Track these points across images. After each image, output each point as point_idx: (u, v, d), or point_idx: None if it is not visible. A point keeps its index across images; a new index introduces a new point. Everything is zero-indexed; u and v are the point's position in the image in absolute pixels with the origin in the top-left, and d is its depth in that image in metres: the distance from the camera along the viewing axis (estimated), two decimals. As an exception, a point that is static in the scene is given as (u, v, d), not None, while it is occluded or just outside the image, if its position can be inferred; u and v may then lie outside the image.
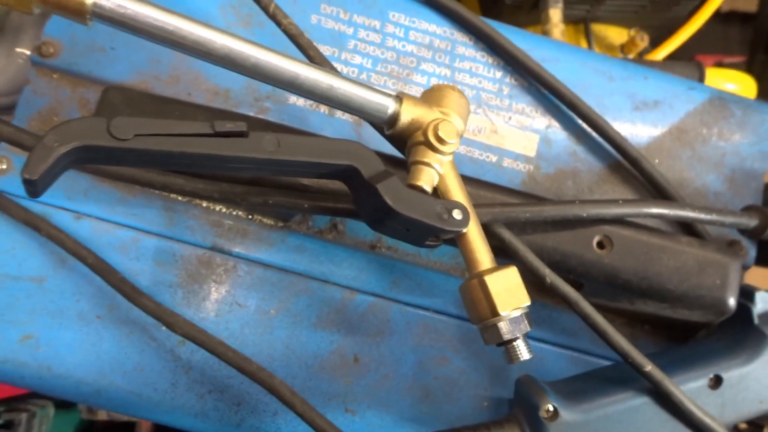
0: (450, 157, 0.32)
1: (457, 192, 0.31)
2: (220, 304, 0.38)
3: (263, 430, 0.37)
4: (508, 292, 0.30)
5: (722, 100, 0.44)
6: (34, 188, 0.23)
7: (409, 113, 0.31)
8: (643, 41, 0.63)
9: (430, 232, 0.30)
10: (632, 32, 0.63)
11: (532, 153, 0.42)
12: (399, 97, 0.32)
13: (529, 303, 0.30)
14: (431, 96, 0.33)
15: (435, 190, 0.32)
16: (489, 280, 0.30)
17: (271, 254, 0.39)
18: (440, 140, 0.31)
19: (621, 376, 0.36)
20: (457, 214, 0.30)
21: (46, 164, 0.23)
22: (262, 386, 0.33)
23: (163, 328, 0.36)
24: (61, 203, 0.37)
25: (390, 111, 0.31)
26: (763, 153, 0.44)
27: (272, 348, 0.38)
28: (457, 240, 0.32)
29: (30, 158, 0.24)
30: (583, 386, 0.36)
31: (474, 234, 0.31)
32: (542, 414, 0.34)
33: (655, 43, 0.66)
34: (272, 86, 0.30)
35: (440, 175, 0.32)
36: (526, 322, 0.30)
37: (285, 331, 0.38)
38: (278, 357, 0.38)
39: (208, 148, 0.26)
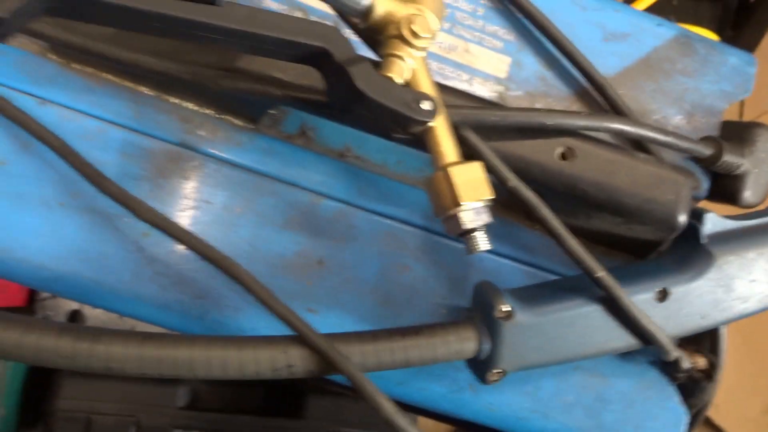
0: (423, 54, 0.32)
1: (428, 87, 0.32)
2: (186, 199, 0.38)
3: (225, 324, 0.37)
4: (471, 184, 0.31)
5: (687, 38, 0.45)
6: (3, 28, 0.23)
7: (383, 6, 0.32)
8: None
9: (398, 121, 0.31)
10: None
11: (503, 74, 0.42)
12: (375, -10, 0.32)
13: (491, 197, 0.31)
14: (407, -6, 0.33)
15: (406, 84, 0.32)
16: (453, 171, 0.31)
17: (239, 154, 0.39)
18: (414, 34, 0.31)
19: (575, 285, 0.37)
20: (426, 105, 0.31)
21: (19, 1, 0.23)
22: (224, 272, 0.33)
23: (126, 219, 0.36)
24: (25, 88, 0.37)
25: (365, 2, 0.32)
26: (723, 92, 0.45)
27: (236, 246, 0.38)
28: (424, 135, 0.32)
29: (-1, -2, 0.23)
30: (539, 292, 0.37)
31: (442, 128, 0.32)
32: (497, 313, 0.35)
33: None
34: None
35: (412, 70, 0.32)
36: (486, 214, 0.31)
37: (250, 230, 0.38)
38: (242, 254, 0.38)
39: (176, 9, 0.26)
